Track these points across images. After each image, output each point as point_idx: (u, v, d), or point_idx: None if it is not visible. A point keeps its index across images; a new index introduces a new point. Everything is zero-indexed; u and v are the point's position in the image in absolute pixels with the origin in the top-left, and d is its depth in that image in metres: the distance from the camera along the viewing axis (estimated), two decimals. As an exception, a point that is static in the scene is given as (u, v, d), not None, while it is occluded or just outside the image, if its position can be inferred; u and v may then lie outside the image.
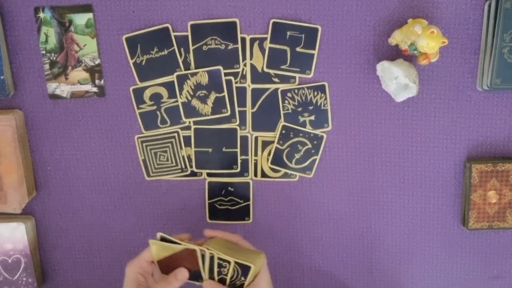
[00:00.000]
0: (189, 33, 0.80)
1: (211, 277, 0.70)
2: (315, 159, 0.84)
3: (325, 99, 0.82)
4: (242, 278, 0.69)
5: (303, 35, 0.80)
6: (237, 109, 0.83)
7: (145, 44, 0.81)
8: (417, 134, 0.83)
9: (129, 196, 0.87)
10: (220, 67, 0.81)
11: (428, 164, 0.84)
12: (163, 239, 0.69)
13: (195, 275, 0.71)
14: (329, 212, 0.87)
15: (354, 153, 0.84)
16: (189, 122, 0.84)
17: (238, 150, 0.84)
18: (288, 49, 0.80)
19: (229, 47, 0.81)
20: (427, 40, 0.72)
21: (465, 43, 0.79)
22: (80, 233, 0.89)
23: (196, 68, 0.82)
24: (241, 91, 0.83)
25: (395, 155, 0.84)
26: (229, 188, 0.86)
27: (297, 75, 0.82)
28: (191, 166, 0.85)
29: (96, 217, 0.88)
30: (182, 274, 0.67)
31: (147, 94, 0.83)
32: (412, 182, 0.85)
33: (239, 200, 0.86)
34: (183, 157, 0.85)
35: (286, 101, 0.82)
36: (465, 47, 0.79)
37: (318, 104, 0.82)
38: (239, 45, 0.80)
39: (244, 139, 0.84)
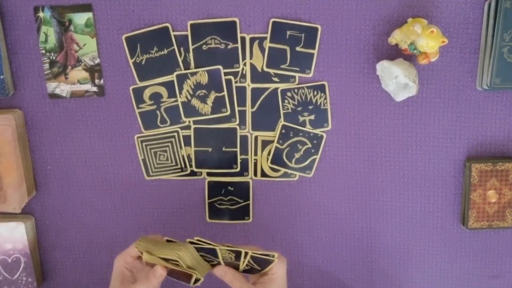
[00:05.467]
0: (189, 33, 0.80)
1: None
2: (315, 159, 0.84)
3: (325, 98, 0.82)
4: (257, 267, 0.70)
5: (303, 35, 0.80)
6: (237, 108, 0.83)
7: (144, 44, 0.81)
8: (416, 133, 0.83)
9: (129, 196, 0.87)
10: (220, 67, 0.81)
11: (427, 163, 0.84)
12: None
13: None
14: (329, 212, 0.87)
15: (353, 153, 0.84)
16: (189, 122, 0.84)
17: (238, 149, 0.84)
18: (288, 48, 0.80)
19: (229, 47, 0.81)
20: (427, 40, 0.72)
21: (465, 42, 0.79)
22: (79, 233, 0.89)
23: (196, 67, 0.82)
24: (241, 91, 0.83)
25: (395, 155, 0.84)
26: (229, 187, 0.86)
27: (297, 75, 0.82)
28: (190, 166, 0.85)
29: (96, 217, 0.88)
30: (159, 272, 0.67)
31: (146, 93, 0.83)
32: (411, 182, 0.85)
33: (239, 200, 0.86)
34: (182, 156, 0.85)
35: (286, 101, 0.82)
36: (464, 46, 0.79)
37: (318, 103, 0.82)
38: (239, 45, 0.80)
39: (244, 138, 0.84)
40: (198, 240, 0.69)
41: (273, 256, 0.68)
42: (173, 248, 0.68)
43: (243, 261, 0.69)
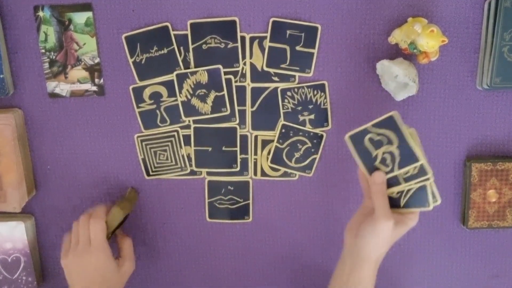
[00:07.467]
0: (188, 32, 0.80)
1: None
2: (315, 158, 0.84)
3: (325, 98, 0.82)
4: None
5: (302, 34, 0.80)
6: (236, 108, 0.83)
7: (144, 43, 0.81)
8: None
9: (129, 195, 0.87)
10: (220, 66, 0.81)
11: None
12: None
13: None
14: (329, 211, 0.87)
15: (353, 152, 0.84)
16: (189, 121, 0.84)
17: (238, 149, 0.84)
18: (287, 48, 0.80)
19: (229, 46, 0.81)
20: (427, 39, 0.72)
21: (465, 42, 0.79)
22: (79, 232, 0.89)
23: (195, 67, 0.82)
24: (241, 90, 0.82)
25: (395, 154, 0.84)
26: (229, 187, 0.86)
27: (297, 74, 0.81)
28: (190, 165, 0.85)
29: (96, 216, 0.88)
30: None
31: (146, 93, 0.83)
32: (412, 181, 0.85)
33: (238, 199, 0.86)
34: (182, 156, 0.85)
35: (286, 100, 0.82)
36: (465, 46, 0.79)
37: (318, 103, 0.82)
38: (239, 44, 0.80)
39: (244, 138, 0.84)
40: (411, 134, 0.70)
41: (435, 201, 0.70)
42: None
43: (409, 185, 0.70)
